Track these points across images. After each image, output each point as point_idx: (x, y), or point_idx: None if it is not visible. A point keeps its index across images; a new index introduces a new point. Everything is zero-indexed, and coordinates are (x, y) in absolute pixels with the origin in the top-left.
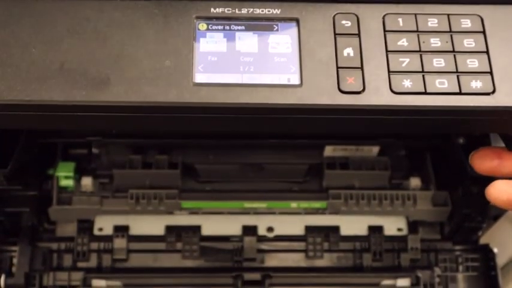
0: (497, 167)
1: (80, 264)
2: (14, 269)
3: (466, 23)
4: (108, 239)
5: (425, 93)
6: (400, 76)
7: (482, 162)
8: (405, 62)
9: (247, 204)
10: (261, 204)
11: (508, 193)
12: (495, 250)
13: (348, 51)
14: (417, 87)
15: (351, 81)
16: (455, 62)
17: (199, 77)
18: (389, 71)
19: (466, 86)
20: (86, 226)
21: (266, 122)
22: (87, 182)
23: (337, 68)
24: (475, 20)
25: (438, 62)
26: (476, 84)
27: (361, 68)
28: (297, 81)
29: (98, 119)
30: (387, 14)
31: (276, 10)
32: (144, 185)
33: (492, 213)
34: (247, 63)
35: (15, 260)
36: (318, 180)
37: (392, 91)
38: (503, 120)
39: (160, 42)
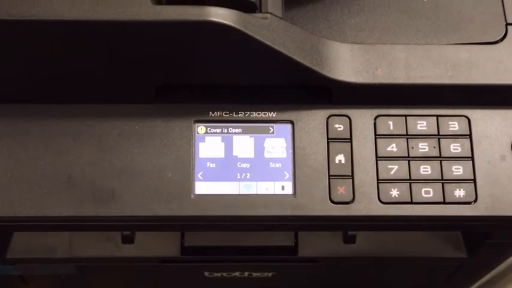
0: None
1: None
2: None
3: (454, 126)
4: None
5: (411, 202)
6: (388, 185)
7: None
8: (394, 169)
9: None
10: None
11: None
12: None
13: (340, 158)
14: (404, 197)
15: (342, 191)
16: (441, 169)
17: (199, 187)
18: (378, 180)
19: (450, 195)
20: None
21: (262, 228)
22: None
23: (329, 176)
24: (463, 122)
25: (425, 169)
26: (459, 193)
27: (352, 176)
28: (290, 191)
29: (104, 227)
30: (379, 116)
31: (272, 113)
32: None
33: None
34: (243, 169)
35: None
36: None
37: (380, 201)
38: (484, 225)
39: (161, 149)
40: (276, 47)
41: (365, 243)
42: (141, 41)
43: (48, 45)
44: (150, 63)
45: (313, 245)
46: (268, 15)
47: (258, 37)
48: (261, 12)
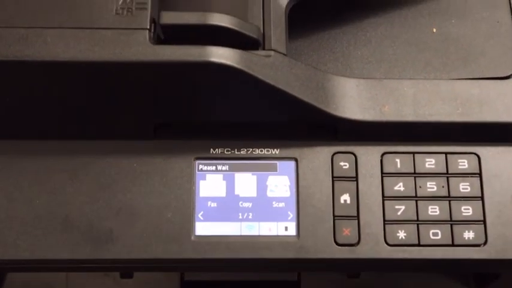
0: None
1: None
2: None
3: (463, 164)
4: None
5: (418, 245)
6: (395, 226)
7: None
8: (401, 209)
9: None
10: None
11: None
12: None
13: (345, 198)
14: (411, 239)
15: (347, 232)
16: (450, 209)
17: (199, 228)
18: (384, 221)
19: (458, 237)
20: None
21: (264, 270)
22: None
23: (334, 217)
24: (472, 159)
25: (433, 210)
26: (468, 235)
27: (357, 217)
28: (294, 232)
29: (101, 268)
30: (386, 153)
31: (275, 150)
32: None
33: None
34: (245, 209)
35: None
36: None
37: (386, 243)
38: (494, 267)
39: (160, 188)
40: (279, 86)
41: (369, 278)
42: (139, 81)
43: (43, 85)
44: (149, 102)
45: (316, 280)
46: (272, 53)
47: (260, 76)
48: (264, 49)
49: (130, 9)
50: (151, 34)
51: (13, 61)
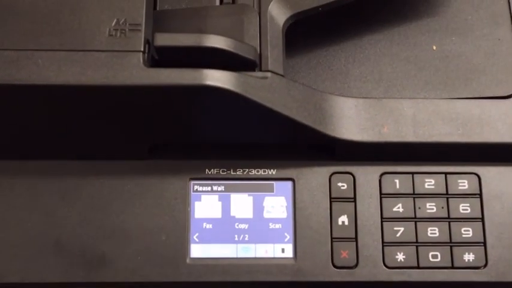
0: None
1: None
2: None
3: (463, 184)
4: None
5: (418, 267)
6: (393, 248)
7: None
8: (400, 231)
9: None
10: None
11: None
12: None
13: (343, 220)
14: (410, 261)
15: (345, 255)
16: (450, 231)
17: (195, 250)
18: (383, 243)
19: (458, 259)
20: None
21: None
22: None
23: (332, 239)
24: (473, 180)
25: (432, 232)
26: (468, 257)
27: (356, 239)
28: (291, 254)
29: None
30: (384, 173)
31: (272, 170)
32: None
33: None
34: (242, 231)
35: None
36: None
37: (385, 265)
38: None
39: (154, 209)
40: (276, 108)
41: None
42: (134, 103)
43: (34, 107)
44: (143, 124)
45: None
46: (269, 74)
47: (257, 99)
48: (261, 70)
49: (123, 31)
50: (146, 56)
51: (3, 85)
